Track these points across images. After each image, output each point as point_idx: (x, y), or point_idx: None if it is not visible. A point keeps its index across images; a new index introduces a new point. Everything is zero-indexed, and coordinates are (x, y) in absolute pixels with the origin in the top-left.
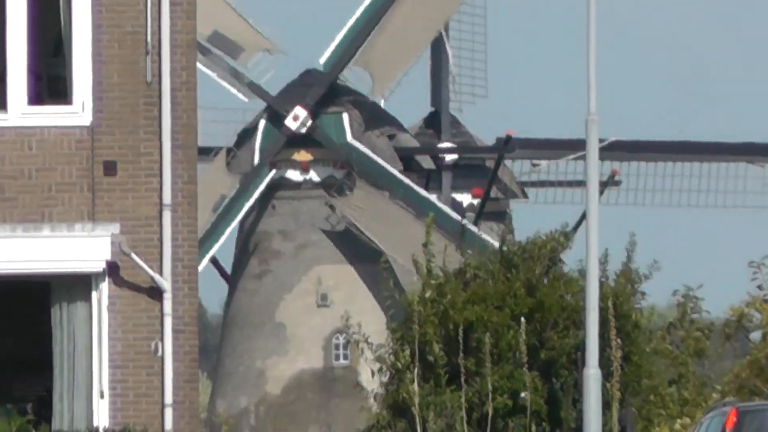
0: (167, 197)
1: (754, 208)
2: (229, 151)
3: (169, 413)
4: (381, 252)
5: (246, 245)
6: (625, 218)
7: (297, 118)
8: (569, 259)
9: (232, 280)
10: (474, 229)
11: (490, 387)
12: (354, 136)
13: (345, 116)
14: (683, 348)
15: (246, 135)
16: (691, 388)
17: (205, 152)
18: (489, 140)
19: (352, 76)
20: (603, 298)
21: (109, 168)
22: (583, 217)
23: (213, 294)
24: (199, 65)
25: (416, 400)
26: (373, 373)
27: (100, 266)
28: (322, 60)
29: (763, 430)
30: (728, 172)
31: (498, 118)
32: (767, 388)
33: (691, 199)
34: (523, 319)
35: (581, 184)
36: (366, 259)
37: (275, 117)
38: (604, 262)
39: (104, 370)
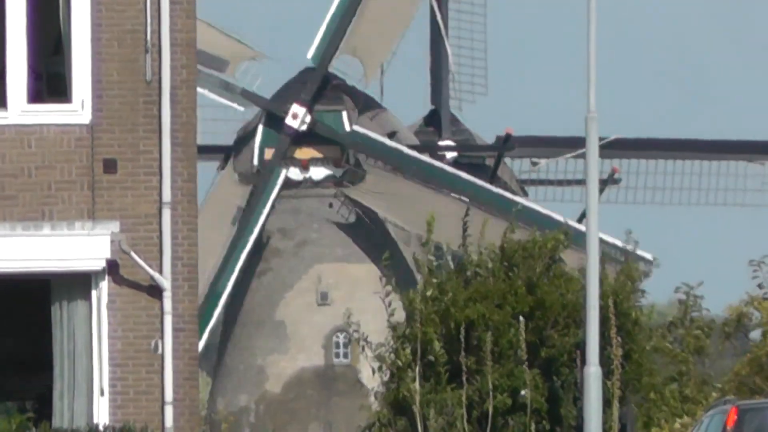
0: (167, 195)
1: (753, 206)
2: (227, 154)
3: (169, 411)
4: (388, 246)
5: None
6: (624, 216)
7: (296, 116)
8: (569, 257)
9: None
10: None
11: (490, 385)
12: (351, 125)
13: (344, 114)
14: (684, 346)
15: (244, 135)
16: (691, 386)
17: (205, 150)
18: (489, 138)
19: (343, 65)
20: (603, 296)
21: (109, 166)
22: (583, 215)
23: None
24: None
25: (417, 398)
26: (373, 371)
27: (99, 264)
28: (310, 55)
29: (764, 428)
30: (728, 170)
31: (498, 116)
32: (767, 386)
33: (692, 197)
34: (522, 317)
35: (581, 182)
36: (366, 259)
37: (273, 119)
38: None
39: (104, 368)
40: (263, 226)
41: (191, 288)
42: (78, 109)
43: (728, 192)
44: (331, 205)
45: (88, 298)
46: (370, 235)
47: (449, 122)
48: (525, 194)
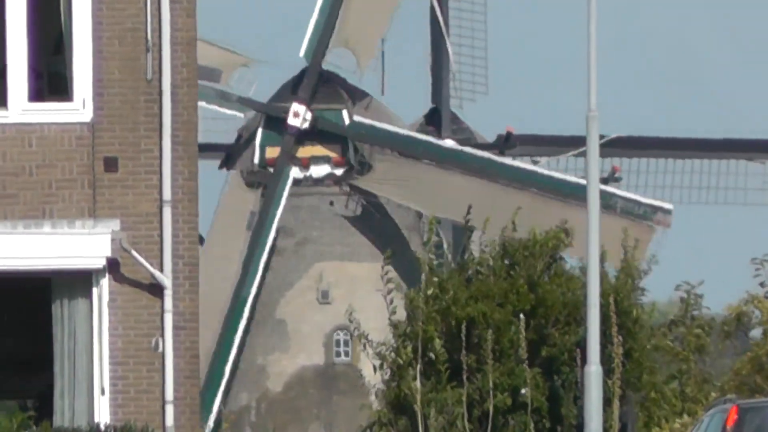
0: (167, 194)
1: (754, 205)
2: (227, 153)
3: (170, 410)
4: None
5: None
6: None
7: (297, 115)
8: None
9: None
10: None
11: (491, 384)
12: (351, 118)
13: (344, 112)
14: (684, 345)
15: (247, 137)
16: (692, 385)
17: (206, 149)
18: (489, 137)
19: (337, 59)
20: (604, 294)
21: (110, 164)
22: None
23: None
24: None
25: (418, 397)
26: (375, 369)
27: (100, 263)
28: (302, 53)
29: (765, 427)
30: (729, 169)
31: (498, 114)
32: (767, 385)
33: (692, 196)
34: (522, 315)
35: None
36: (368, 257)
37: (273, 121)
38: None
39: (105, 367)
40: (278, 227)
41: (192, 286)
42: (79, 108)
43: (729, 191)
44: (332, 203)
45: (89, 296)
46: (376, 228)
47: (450, 121)
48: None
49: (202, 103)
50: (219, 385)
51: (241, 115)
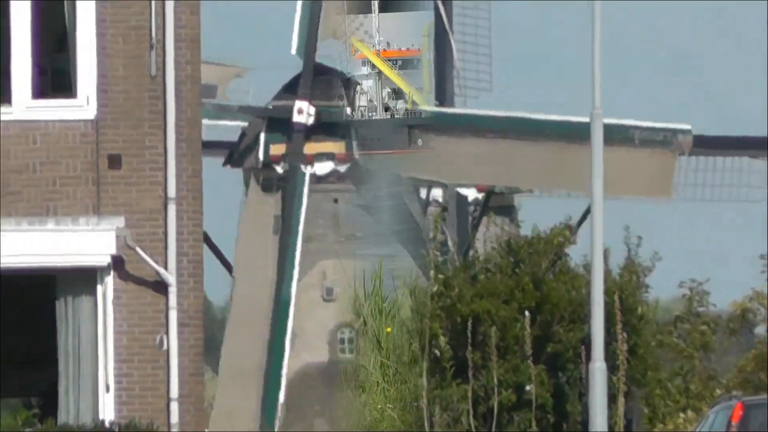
0: (172, 191)
1: (756, 202)
2: (231, 151)
3: (174, 407)
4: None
5: None
6: (628, 212)
7: (302, 111)
8: (574, 254)
9: None
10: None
11: (495, 381)
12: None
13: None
14: (689, 341)
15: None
16: (697, 381)
17: (210, 146)
18: None
19: (329, 51)
20: (608, 292)
21: (114, 161)
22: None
23: (218, 288)
24: None
25: (424, 393)
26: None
27: (105, 260)
28: (294, 50)
29: None
30: (731, 165)
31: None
32: None
33: (696, 192)
34: (527, 312)
35: None
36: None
37: (276, 123)
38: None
39: (109, 364)
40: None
41: (196, 283)
42: (83, 105)
43: (732, 188)
44: (336, 201)
45: (93, 293)
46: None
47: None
48: (530, 190)
49: (204, 121)
50: (278, 389)
51: (245, 124)
